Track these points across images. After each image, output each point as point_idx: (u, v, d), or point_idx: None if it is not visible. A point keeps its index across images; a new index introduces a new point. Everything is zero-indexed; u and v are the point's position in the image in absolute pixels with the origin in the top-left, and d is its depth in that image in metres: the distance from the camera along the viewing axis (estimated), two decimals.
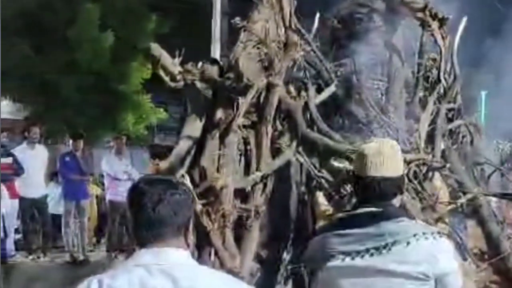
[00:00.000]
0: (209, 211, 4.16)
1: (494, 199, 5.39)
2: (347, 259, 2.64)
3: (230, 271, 4.20)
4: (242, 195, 4.40)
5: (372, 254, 2.61)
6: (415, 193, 4.54)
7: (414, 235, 2.59)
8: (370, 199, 2.66)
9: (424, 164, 4.52)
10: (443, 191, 4.82)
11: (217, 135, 4.31)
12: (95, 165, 10.83)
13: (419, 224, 2.73)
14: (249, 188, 4.38)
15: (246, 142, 4.43)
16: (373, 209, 2.64)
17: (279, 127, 4.53)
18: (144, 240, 2.11)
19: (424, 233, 2.60)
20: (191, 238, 2.20)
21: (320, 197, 4.48)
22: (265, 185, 4.44)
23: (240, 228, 4.39)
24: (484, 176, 5.51)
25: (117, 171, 9.56)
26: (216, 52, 12.03)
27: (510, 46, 5.79)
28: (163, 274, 2.04)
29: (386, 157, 2.67)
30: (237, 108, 4.24)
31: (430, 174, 4.63)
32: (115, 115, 12.09)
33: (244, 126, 4.42)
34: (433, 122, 4.95)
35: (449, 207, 4.74)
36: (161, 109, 12.81)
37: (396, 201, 2.71)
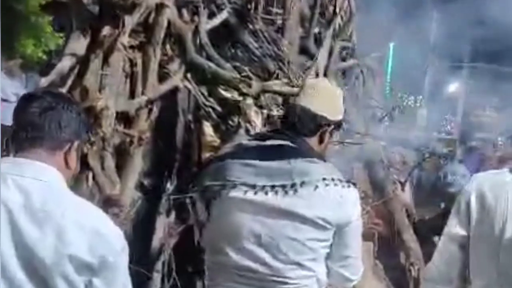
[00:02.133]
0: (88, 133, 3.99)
1: (382, 143, 5.47)
2: (250, 192, 2.45)
3: (109, 198, 4.08)
4: (125, 119, 4.24)
5: (276, 192, 2.44)
6: None
7: (324, 179, 2.45)
8: (287, 130, 2.55)
9: None
10: None
11: (101, 54, 4.10)
12: None
13: (330, 167, 2.54)
14: (133, 112, 4.22)
15: (132, 64, 4.25)
16: (286, 142, 2.51)
17: (169, 52, 4.38)
18: (18, 146, 1.96)
19: (333, 179, 2.46)
20: (74, 164, 2.04)
21: (207, 127, 4.39)
22: (150, 110, 4.30)
23: (121, 155, 4.25)
24: (374, 120, 5.58)
25: (7, 94, 9.14)
26: None
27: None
28: (18, 188, 1.87)
29: (326, 95, 2.59)
30: (123, 26, 4.03)
31: None
32: (11, 36, 11.48)
33: (132, 47, 4.24)
34: (326, 59, 4.92)
35: (336, 147, 4.75)
36: (61, 34, 12.29)
37: (312, 142, 2.57)
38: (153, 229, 4.22)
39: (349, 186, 2.50)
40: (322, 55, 4.86)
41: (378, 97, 5.68)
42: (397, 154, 6.03)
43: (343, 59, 5.28)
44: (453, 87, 23.41)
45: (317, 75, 4.71)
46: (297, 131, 2.54)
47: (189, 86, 4.34)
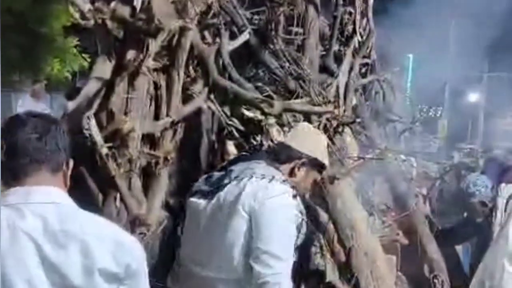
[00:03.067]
0: (115, 155, 4.07)
1: (403, 156, 5.50)
2: (201, 197, 2.80)
3: (136, 217, 4.16)
4: (150, 141, 4.32)
5: (214, 192, 2.73)
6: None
7: (251, 176, 2.66)
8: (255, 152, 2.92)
9: (335, 118, 4.55)
10: (352, 146, 4.88)
11: (126, 77, 4.19)
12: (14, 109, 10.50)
13: (273, 170, 2.77)
14: (158, 134, 4.30)
15: (156, 86, 4.33)
16: (246, 153, 2.82)
17: (192, 74, 4.46)
18: (17, 174, 1.96)
19: (263, 175, 2.66)
20: (68, 183, 2.09)
21: (230, 146, 4.46)
22: (175, 131, 4.37)
23: (148, 175, 4.33)
24: (395, 134, 5.61)
25: None
26: None
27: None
28: (34, 215, 1.89)
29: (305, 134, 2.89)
30: (147, 50, 4.13)
31: (340, 128, 4.67)
32: (37, 58, 11.65)
33: (155, 70, 4.32)
34: (346, 76, 4.98)
35: (357, 163, 4.80)
36: (86, 55, 12.46)
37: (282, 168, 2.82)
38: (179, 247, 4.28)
39: (280, 183, 2.68)
40: (343, 72, 4.92)
41: (398, 111, 5.71)
42: (418, 167, 6.06)
43: (363, 76, 5.34)
44: (473, 97, 23.24)
45: (337, 93, 4.76)
46: (269, 156, 2.84)
47: (212, 107, 4.41)
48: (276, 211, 2.58)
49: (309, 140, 2.93)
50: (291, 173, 2.82)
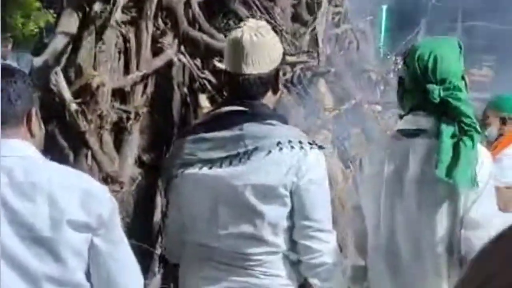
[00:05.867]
0: (85, 111, 3.99)
1: (378, 107, 5.46)
2: (205, 168, 2.30)
3: (108, 175, 4.10)
4: (121, 95, 4.24)
5: (231, 162, 2.27)
6: (299, 98, 4.51)
7: (278, 143, 2.25)
8: (238, 97, 2.33)
9: (308, 68, 4.48)
10: (327, 97, 4.82)
11: (94, 31, 4.08)
12: None
13: (291, 129, 2.36)
14: (128, 88, 4.22)
15: (125, 39, 4.23)
16: (237, 107, 2.31)
17: (161, 26, 4.35)
18: None
19: (290, 141, 2.26)
20: (37, 131, 2.02)
21: (203, 99, 4.39)
22: (145, 85, 4.30)
23: (119, 131, 4.26)
24: (370, 85, 5.56)
25: None
26: None
27: None
28: None
29: (262, 49, 2.29)
30: (114, 2, 4.00)
31: (314, 79, 4.61)
32: (1, 16, 11.36)
33: (124, 23, 4.22)
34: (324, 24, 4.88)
35: (333, 114, 4.75)
36: (52, 10, 12.19)
37: (266, 99, 2.35)
38: (154, 205, 4.23)
39: (311, 148, 2.30)
40: (320, 21, 4.80)
41: (372, 61, 5.64)
42: (393, 117, 6.03)
43: (336, 25, 5.24)
44: None
45: (311, 42, 4.68)
46: (247, 95, 2.32)
47: (183, 59, 4.33)
48: (320, 184, 2.30)
49: (277, 49, 2.38)
50: (274, 92, 2.39)
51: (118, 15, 4.08)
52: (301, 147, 2.27)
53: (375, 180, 2.40)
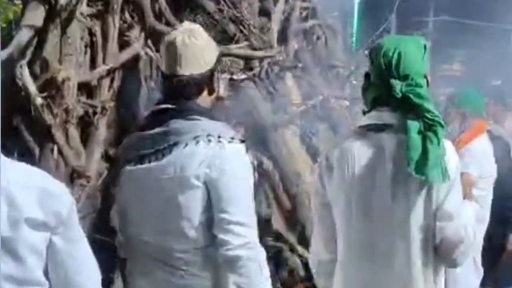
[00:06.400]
0: (51, 105, 3.95)
1: (346, 102, 5.49)
2: (139, 163, 2.39)
3: (75, 170, 4.07)
4: (87, 89, 4.21)
5: (157, 157, 2.37)
6: (267, 93, 4.52)
7: (195, 137, 2.33)
8: (172, 97, 2.40)
9: (276, 63, 4.49)
10: (295, 92, 4.84)
11: (59, 24, 4.04)
12: None
13: (216, 124, 2.40)
14: (95, 82, 4.19)
15: (92, 33, 4.20)
16: (169, 105, 2.39)
17: (128, 19, 4.33)
18: None
19: (208, 135, 2.32)
20: None
21: None
22: (112, 79, 4.27)
23: (86, 125, 4.22)
24: (338, 80, 5.58)
25: None
26: None
27: None
28: None
29: (195, 51, 2.38)
30: None
31: (282, 73, 4.62)
32: None
33: (90, 16, 4.19)
34: (286, 20, 4.89)
35: (300, 109, 4.77)
36: (18, 2, 12.02)
37: (203, 100, 2.43)
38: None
39: (230, 142, 2.35)
40: (276, 15, 4.80)
41: (341, 57, 5.66)
42: (360, 113, 6.06)
43: (304, 20, 5.25)
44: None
45: (278, 37, 4.69)
46: (181, 95, 2.40)
47: (150, 53, 4.32)
48: (236, 177, 2.32)
49: (212, 50, 2.47)
50: (210, 94, 2.47)
51: (84, 8, 4.05)
52: (219, 141, 2.34)
53: (345, 175, 2.42)
